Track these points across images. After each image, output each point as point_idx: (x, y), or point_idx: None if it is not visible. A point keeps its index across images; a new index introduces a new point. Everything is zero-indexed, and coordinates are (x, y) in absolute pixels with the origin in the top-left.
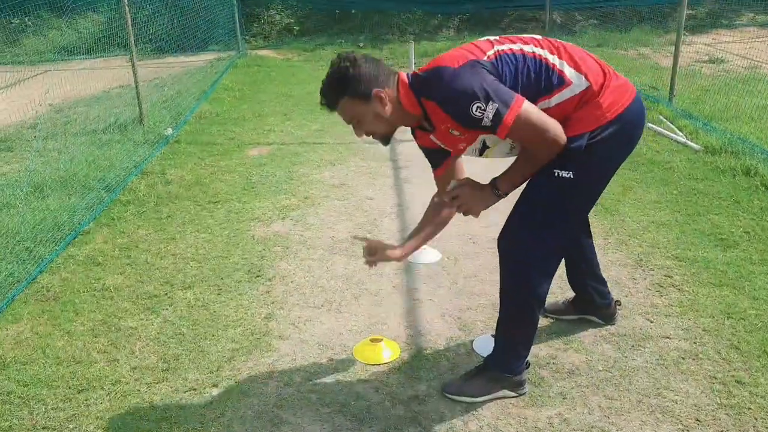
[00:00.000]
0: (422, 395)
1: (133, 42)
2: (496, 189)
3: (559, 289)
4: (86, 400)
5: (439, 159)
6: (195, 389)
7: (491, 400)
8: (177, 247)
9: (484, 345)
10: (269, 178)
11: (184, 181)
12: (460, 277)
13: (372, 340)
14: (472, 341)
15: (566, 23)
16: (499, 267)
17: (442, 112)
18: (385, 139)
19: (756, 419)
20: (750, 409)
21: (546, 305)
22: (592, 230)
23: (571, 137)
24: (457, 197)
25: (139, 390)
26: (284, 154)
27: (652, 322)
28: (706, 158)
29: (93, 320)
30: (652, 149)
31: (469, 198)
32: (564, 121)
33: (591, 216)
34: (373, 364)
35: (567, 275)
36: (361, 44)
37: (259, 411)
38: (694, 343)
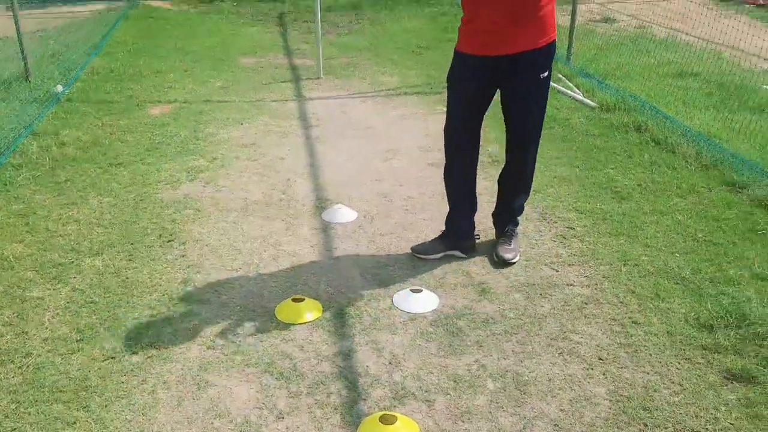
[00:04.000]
0: (346, 351)
1: None
2: None
3: (430, 230)
4: None
5: None
6: (114, 357)
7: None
8: (80, 213)
9: (404, 300)
10: (174, 138)
11: (80, 142)
12: (377, 235)
13: (294, 300)
14: (392, 297)
15: None
16: (524, 154)
17: None
18: None
19: (651, 355)
20: (645, 346)
21: (414, 247)
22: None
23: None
24: None
25: (53, 362)
26: (188, 112)
27: (557, 271)
28: (602, 115)
29: None
30: (553, 107)
31: None
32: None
33: (497, 173)
34: (297, 324)
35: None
36: None
37: (183, 375)
38: (595, 289)
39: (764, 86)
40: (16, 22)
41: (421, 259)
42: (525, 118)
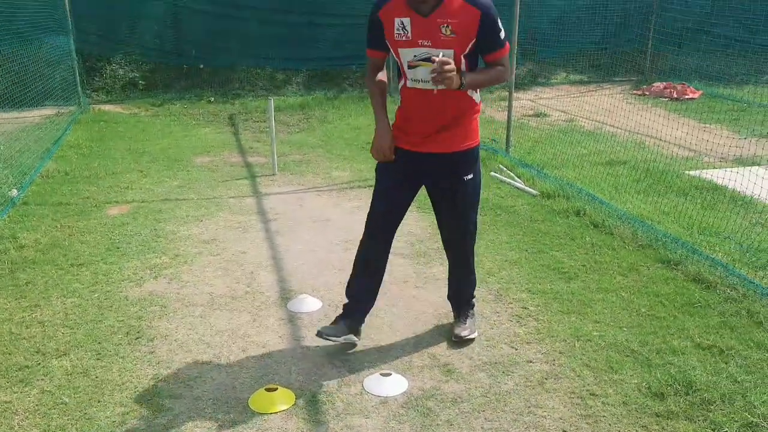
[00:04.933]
0: None
1: None
2: (464, 78)
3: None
4: None
5: (380, 44)
6: None
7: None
8: (43, 314)
9: (375, 384)
10: (134, 237)
11: (39, 244)
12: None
13: (267, 390)
14: (362, 381)
15: None
16: (460, 248)
17: (478, 10)
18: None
19: (610, 425)
20: (604, 416)
21: (322, 330)
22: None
23: (477, 145)
24: (447, 63)
25: None
26: (146, 211)
27: (516, 349)
28: (544, 202)
29: None
30: (498, 195)
31: (450, 70)
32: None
33: None
34: (271, 413)
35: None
36: (212, 99)
37: None
38: (553, 364)
39: (687, 172)
40: None
41: (329, 340)
42: (452, 216)
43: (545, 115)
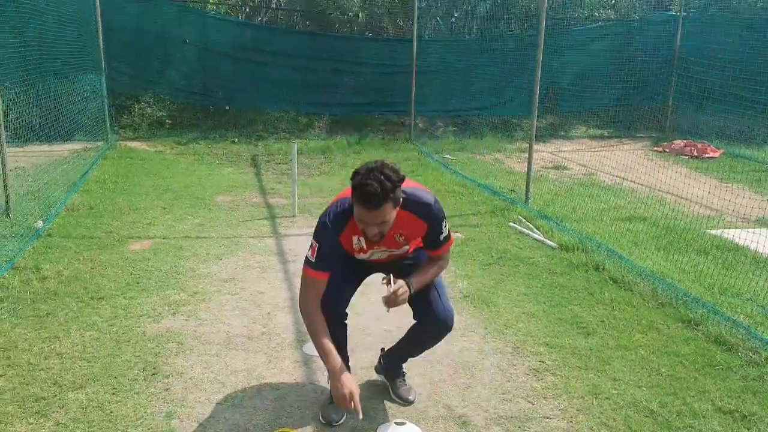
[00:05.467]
0: None
1: (3, 127)
2: (411, 288)
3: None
4: None
5: (331, 264)
6: None
7: None
8: (62, 346)
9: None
10: (154, 272)
11: (62, 276)
12: (358, 369)
13: None
14: (375, 430)
15: (428, 128)
16: (433, 333)
17: (425, 223)
18: (382, 238)
19: None
20: None
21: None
22: (473, 320)
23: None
24: (400, 289)
25: None
26: (167, 248)
27: (532, 404)
28: (562, 255)
29: None
30: (516, 246)
31: (403, 294)
32: None
33: (471, 307)
34: None
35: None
36: (236, 140)
37: None
38: (570, 421)
39: (708, 231)
40: (2, 161)
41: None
42: (432, 296)
43: (565, 168)
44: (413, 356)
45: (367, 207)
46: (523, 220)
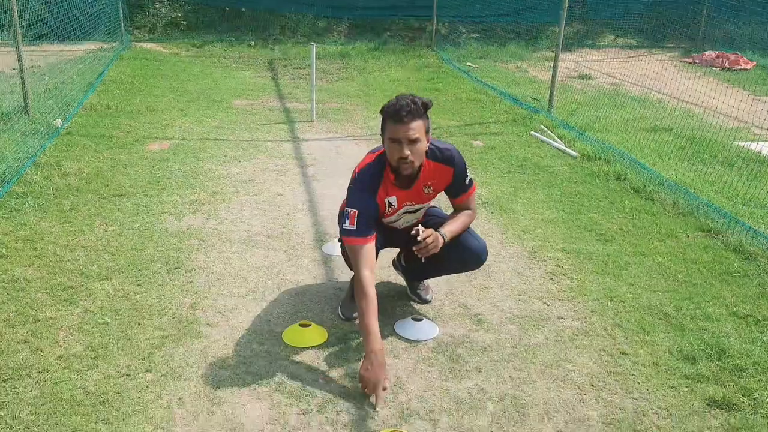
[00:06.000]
0: (352, 373)
1: (18, 25)
2: (444, 237)
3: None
4: (14, 388)
5: (374, 228)
6: (128, 375)
7: None
8: (86, 240)
9: (405, 327)
10: (174, 172)
11: (83, 173)
12: (377, 268)
13: (301, 325)
14: (393, 325)
15: (450, 35)
16: (465, 264)
17: (451, 168)
18: (413, 173)
19: (638, 383)
20: (633, 375)
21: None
22: (491, 226)
23: None
24: (429, 237)
25: (69, 377)
26: (186, 149)
27: (548, 305)
28: (584, 164)
29: (7, 311)
30: (537, 155)
31: (433, 242)
32: None
33: (489, 213)
34: (304, 347)
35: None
36: (252, 43)
37: (197, 392)
38: (585, 322)
39: (735, 142)
40: (19, 59)
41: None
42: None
43: (590, 77)
44: (435, 277)
45: (401, 121)
46: (545, 129)
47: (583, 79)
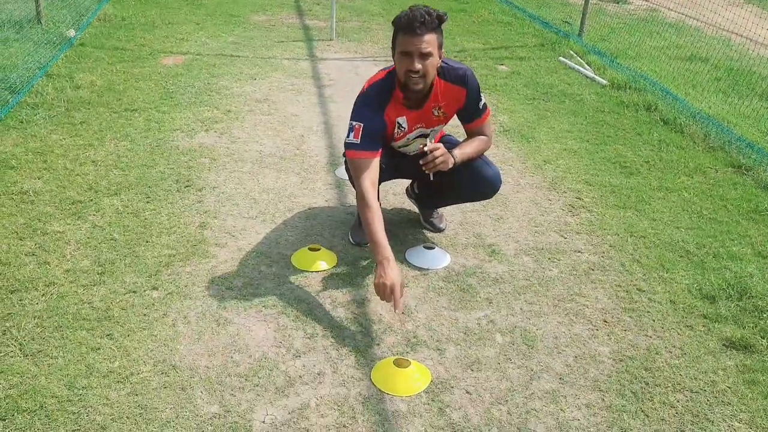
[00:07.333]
0: (360, 299)
1: None
2: (455, 157)
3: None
4: (20, 300)
5: (380, 143)
6: (135, 291)
7: None
8: (97, 154)
9: (417, 255)
10: (187, 88)
11: (95, 86)
12: (390, 194)
13: (310, 249)
14: (404, 252)
15: None
16: (478, 192)
17: (464, 89)
18: (423, 90)
19: (653, 321)
20: (648, 312)
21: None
22: (511, 155)
23: None
24: (436, 150)
25: (76, 291)
26: (201, 64)
27: (565, 238)
28: (612, 93)
29: (15, 224)
30: (564, 82)
31: (441, 155)
32: None
33: (510, 142)
34: (312, 271)
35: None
36: None
37: (203, 312)
38: (602, 256)
39: None
40: None
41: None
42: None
43: (625, 2)
44: (448, 205)
45: (413, 33)
46: (574, 54)
47: (617, 3)
